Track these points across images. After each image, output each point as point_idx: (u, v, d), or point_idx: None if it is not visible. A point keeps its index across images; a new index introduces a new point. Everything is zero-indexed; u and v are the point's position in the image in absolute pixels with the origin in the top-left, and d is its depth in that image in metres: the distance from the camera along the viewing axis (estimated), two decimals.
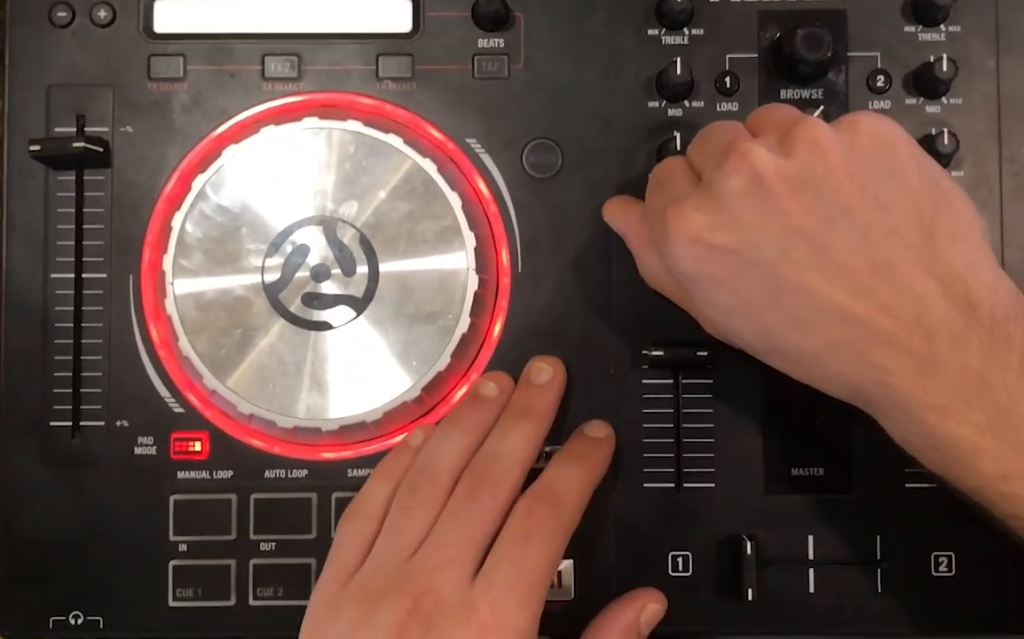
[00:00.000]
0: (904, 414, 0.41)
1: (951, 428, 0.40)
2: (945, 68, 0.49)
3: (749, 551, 0.49)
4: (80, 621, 0.50)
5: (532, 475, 0.47)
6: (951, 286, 0.40)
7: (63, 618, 0.50)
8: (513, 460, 0.46)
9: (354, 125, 0.49)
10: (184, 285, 0.48)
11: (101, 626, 0.50)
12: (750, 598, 0.48)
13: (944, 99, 0.51)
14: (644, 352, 0.50)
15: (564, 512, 0.45)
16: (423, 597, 0.42)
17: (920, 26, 0.51)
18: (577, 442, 0.49)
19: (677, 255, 0.42)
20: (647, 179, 0.48)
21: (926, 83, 0.50)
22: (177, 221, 0.49)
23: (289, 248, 0.49)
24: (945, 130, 0.49)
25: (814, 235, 0.40)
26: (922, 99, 0.51)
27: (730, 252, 0.41)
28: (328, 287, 0.48)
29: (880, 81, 0.51)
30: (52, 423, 0.50)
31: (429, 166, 0.49)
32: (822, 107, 0.49)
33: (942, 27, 0.51)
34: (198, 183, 0.49)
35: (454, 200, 0.49)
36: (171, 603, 0.50)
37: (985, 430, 0.40)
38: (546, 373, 0.49)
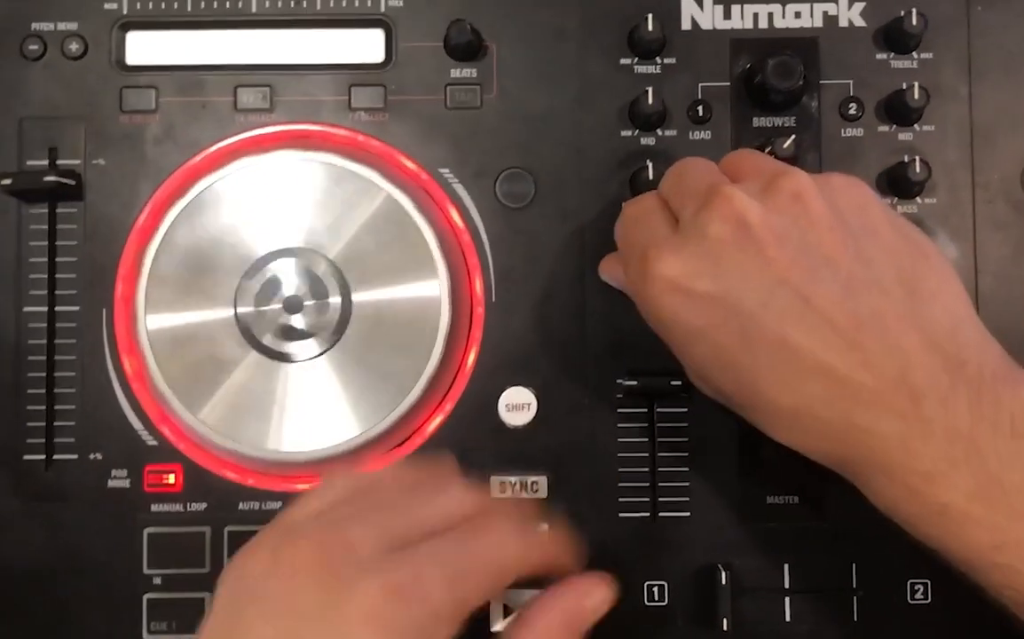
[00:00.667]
0: (888, 479, 0.39)
1: (939, 495, 0.38)
2: (917, 96, 0.49)
3: (724, 581, 0.48)
4: None
5: None
6: (937, 342, 0.39)
7: None
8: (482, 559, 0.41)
9: (329, 157, 0.49)
10: (157, 318, 0.48)
11: None
12: (725, 628, 0.48)
13: (917, 126, 0.51)
14: (619, 381, 0.50)
15: (519, 544, 0.42)
16: (334, 545, 0.38)
17: (892, 53, 0.51)
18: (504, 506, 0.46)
19: (655, 301, 0.41)
20: (620, 209, 0.48)
21: (898, 110, 0.50)
22: (149, 254, 0.49)
23: (261, 280, 0.48)
24: (917, 158, 0.49)
25: (797, 286, 0.39)
26: (895, 126, 0.51)
27: (711, 300, 0.40)
28: (301, 319, 0.48)
29: (852, 109, 0.51)
30: (26, 456, 0.50)
31: (403, 198, 0.49)
32: (793, 137, 0.49)
33: (914, 54, 0.51)
34: (170, 216, 0.49)
35: (428, 232, 0.49)
36: (145, 636, 0.50)
37: (975, 497, 0.37)
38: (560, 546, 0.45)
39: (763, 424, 0.42)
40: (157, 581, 0.50)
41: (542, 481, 0.50)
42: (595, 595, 0.44)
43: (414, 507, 0.41)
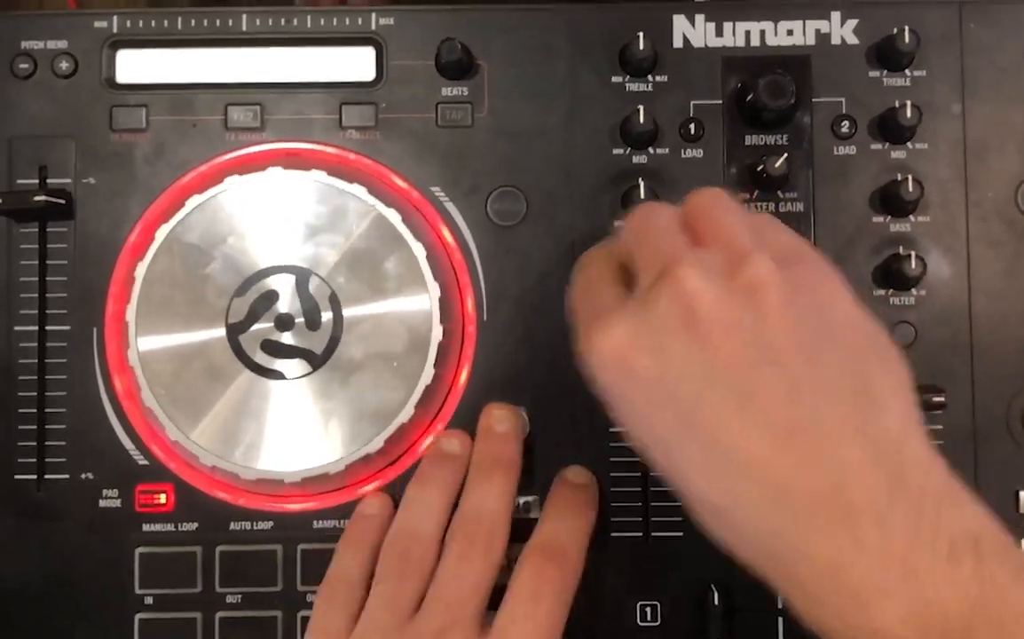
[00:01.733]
0: (814, 598, 0.37)
1: (871, 619, 0.35)
2: (909, 114, 0.49)
3: (716, 601, 0.48)
4: None
5: None
6: (882, 454, 0.36)
7: None
8: (498, 515, 0.46)
9: (318, 175, 0.49)
10: (147, 336, 0.48)
11: None
12: None
13: (910, 144, 0.50)
14: None
15: (570, 566, 0.46)
16: None
17: (885, 71, 0.51)
18: (566, 491, 0.49)
19: (597, 370, 0.40)
20: (612, 227, 0.48)
21: (891, 128, 0.50)
22: (140, 272, 0.48)
23: (252, 298, 0.48)
24: (910, 176, 0.49)
25: (739, 378, 0.37)
26: (887, 144, 0.51)
27: (650, 380, 0.38)
28: (292, 337, 0.48)
29: (845, 127, 0.51)
30: (17, 476, 0.50)
31: (394, 216, 0.49)
32: (785, 156, 0.49)
33: (907, 72, 0.51)
34: (161, 233, 0.48)
35: (418, 250, 0.49)
36: None
37: (908, 622, 0.35)
38: (505, 421, 0.49)
39: (694, 513, 0.40)
40: (149, 601, 0.50)
41: (533, 501, 0.50)
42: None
43: (467, 575, 0.45)
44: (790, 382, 0.37)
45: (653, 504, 0.50)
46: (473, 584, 0.44)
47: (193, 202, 0.48)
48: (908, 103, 0.49)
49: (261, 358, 0.48)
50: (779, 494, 0.36)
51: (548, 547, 0.46)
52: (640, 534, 0.50)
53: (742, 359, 0.37)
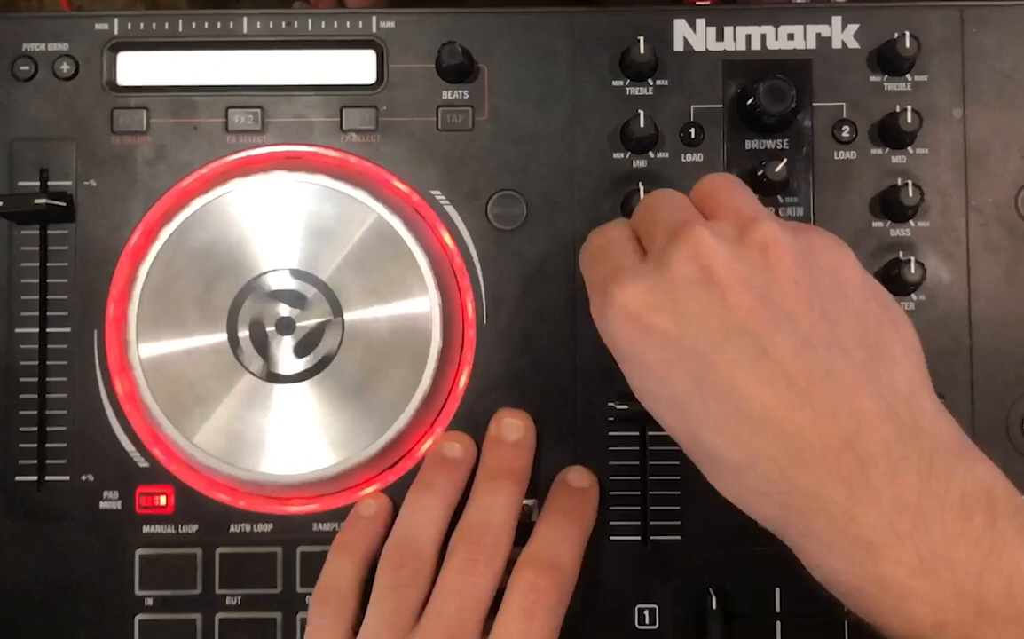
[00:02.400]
0: (827, 548, 0.38)
1: (881, 568, 0.36)
2: (910, 120, 0.49)
3: (714, 605, 0.48)
4: None
5: None
6: (894, 409, 0.38)
7: None
8: (504, 527, 0.46)
9: (320, 179, 0.49)
10: (148, 340, 0.48)
11: None
12: None
13: (910, 149, 0.50)
14: (610, 404, 0.50)
15: (565, 578, 0.45)
16: None
17: (886, 76, 0.51)
18: (564, 496, 0.49)
19: (613, 328, 0.41)
20: None
21: (891, 133, 0.50)
22: (140, 276, 0.48)
23: (253, 302, 0.48)
24: (910, 182, 0.49)
25: (754, 335, 0.38)
26: (888, 149, 0.51)
27: (667, 337, 0.39)
28: (292, 341, 0.48)
29: (846, 131, 0.50)
30: (18, 477, 0.50)
31: (395, 221, 0.49)
32: (785, 161, 0.49)
33: (908, 77, 0.51)
34: (161, 238, 0.48)
35: (420, 256, 0.49)
36: None
37: (919, 572, 0.36)
38: (517, 430, 0.49)
39: (707, 473, 0.41)
40: (149, 602, 0.50)
41: (533, 505, 0.50)
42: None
43: (469, 590, 0.45)
44: (803, 337, 0.38)
45: (652, 508, 0.50)
46: (475, 599, 0.44)
47: (197, 203, 0.48)
48: (908, 108, 0.49)
49: (261, 362, 0.48)
50: (795, 446, 0.37)
51: (541, 559, 0.46)
52: (639, 538, 0.50)
53: (757, 315, 0.38)
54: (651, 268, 0.41)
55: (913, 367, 0.40)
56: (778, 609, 0.50)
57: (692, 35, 0.51)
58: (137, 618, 0.50)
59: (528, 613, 0.44)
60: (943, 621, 0.36)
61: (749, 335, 0.38)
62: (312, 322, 0.48)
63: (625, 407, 0.49)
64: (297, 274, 0.48)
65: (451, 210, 0.51)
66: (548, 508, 0.48)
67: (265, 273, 0.49)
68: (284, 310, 0.48)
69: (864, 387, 0.38)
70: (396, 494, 0.50)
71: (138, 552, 0.50)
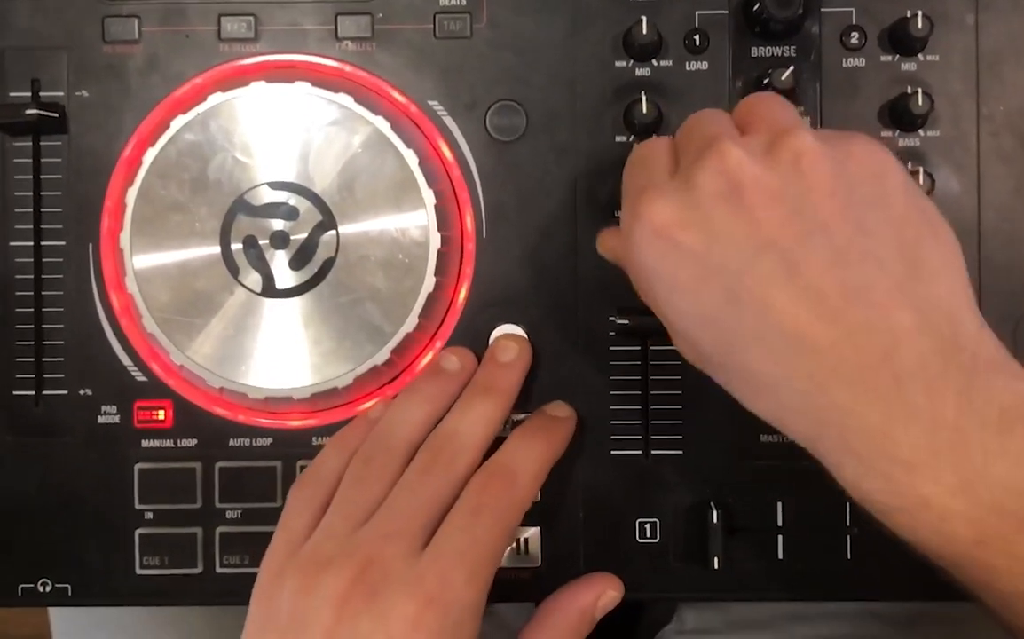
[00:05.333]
0: (864, 466, 0.37)
1: (919, 486, 0.36)
2: (920, 25, 0.48)
3: (715, 519, 0.48)
4: (48, 588, 0.51)
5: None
6: (933, 323, 0.37)
7: (32, 585, 0.50)
8: (472, 436, 0.46)
9: (314, 89, 0.48)
10: (143, 254, 0.47)
11: (69, 593, 0.51)
12: (716, 566, 0.48)
13: (920, 56, 0.49)
14: (611, 319, 0.49)
15: (517, 488, 0.45)
16: (368, 566, 0.42)
17: None
18: (537, 418, 0.49)
19: (640, 244, 0.40)
20: (614, 143, 0.47)
21: (902, 40, 0.49)
22: (133, 190, 0.48)
23: (247, 215, 0.48)
24: (919, 90, 0.48)
25: (786, 249, 0.37)
26: (898, 56, 0.49)
27: (695, 254, 0.39)
28: (288, 254, 0.48)
29: (855, 38, 0.49)
30: (16, 392, 0.50)
31: (382, 124, 0.48)
32: (791, 68, 0.47)
33: None
34: (152, 151, 0.48)
35: (410, 157, 0.48)
36: (138, 571, 0.50)
37: (957, 491, 0.36)
38: (511, 351, 0.48)
39: (740, 391, 0.41)
40: (149, 516, 0.50)
41: (524, 420, 0.49)
42: (609, 595, 0.48)
43: (422, 488, 0.44)
44: (837, 250, 0.37)
45: (653, 422, 0.50)
46: (426, 498, 0.44)
47: (177, 123, 0.47)
48: (919, 13, 0.48)
49: (257, 275, 0.48)
50: (830, 362, 0.37)
51: (499, 466, 0.45)
52: (640, 452, 0.50)
53: (788, 229, 0.37)
54: (679, 184, 0.40)
55: (954, 280, 0.38)
56: (780, 523, 0.50)
57: None
58: (137, 532, 0.50)
59: (473, 510, 0.43)
60: (983, 538, 0.36)
61: (780, 250, 0.37)
62: (307, 235, 0.48)
63: (626, 321, 0.49)
64: (291, 187, 0.48)
65: (449, 121, 0.50)
66: (520, 426, 0.48)
67: (259, 185, 0.48)
68: (278, 224, 0.48)
69: (901, 301, 0.37)
70: None
71: (137, 466, 0.50)
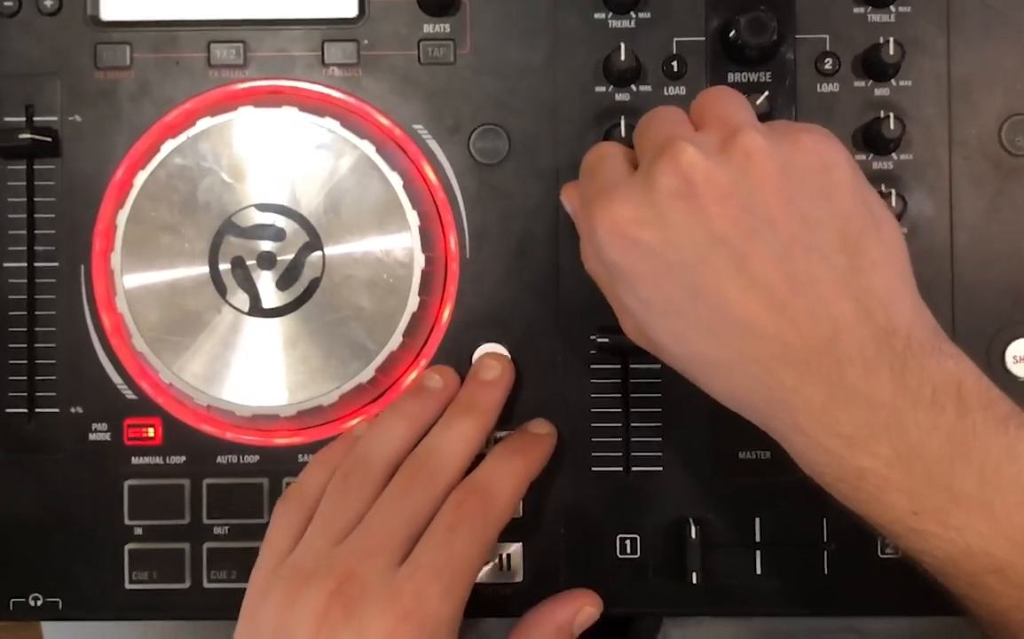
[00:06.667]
0: (810, 441, 0.40)
1: (859, 460, 0.39)
2: (892, 51, 0.49)
3: (693, 535, 0.49)
4: (39, 603, 0.51)
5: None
6: (869, 311, 0.40)
7: (23, 600, 0.51)
8: (452, 455, 0.47)
9: (302, 114, 0.49)
10: (133, 275, 0.49)
11: (60, 607, 0.51)
12: (695, 581, 0.49)
13: (893, 81, 0.50)
14: (592, 338, 0.50)
15: (494, 506, 0.45)
16: (347, 581, 0.42)
17: (870, 7, 0.50)
18: (519, 437, 0.50)
19: (603, 243, 0.42)
20: None
21: (874, 65, 0.50)
22: (124, 211, 0.49)
23: (235, 236, 0.49)
24: (891, 114, 0.49)
25: (736, 244, 0.40)
26: (871, 81, 0.50)
27: (652, 250, 0.41)
28: (275, 275, 0.49)
29: (828, 64, 0.50)
30: (8, 409, 0.51)
31: (368, 147, 0.49)
32: (766, 93, 0.48)
33: (892, 8, 0.50)
34: (143, 174, 0.49)
35: (395, 180, 0.49)
36: (128, 585, 0.51)
37: (894, 463, 0.39)
38: (494, 370, 0.49)
39: (697, 376, 0.43)
40: (138, 532, 0.51)
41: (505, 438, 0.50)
42: (587, 611, 0.49)
43: (401, 505, 0.45)
44: (784, 243, 0.40)
45: (634, 439, 0.50)
46: (405, 515, 0.45)
47: (168, 147, 0.49)
48: (891, 40, 0.49)
49: (244, 295, 0.48)
50: (778, 348, 0.40)
51: (476, 483, 0.46)
52: (621, 469, 0.51)
53: (738, 225, 0.40)
54: (636, 183, 0.42)
55: (892, 270, 0.41)
56: (758, 539, 0.50)
57: None
58: (127, 547, 0.51)
59: (450, 527, 0.44)
60: (918, 509, 0.39)
61: (730, 245, 0.40)
62: (294, 256, 0.49)
63: (607, 340, 0.49)
64: (278, 209, 0.49)
65: (433, 145, 0.51)
66: (499, 444, 0.49)
67: (247, 207, 0.49)
68: (266, 245, 0.49)
69: (842, 292, 0.40)
70: None
71: (127, 483, 0.51)
